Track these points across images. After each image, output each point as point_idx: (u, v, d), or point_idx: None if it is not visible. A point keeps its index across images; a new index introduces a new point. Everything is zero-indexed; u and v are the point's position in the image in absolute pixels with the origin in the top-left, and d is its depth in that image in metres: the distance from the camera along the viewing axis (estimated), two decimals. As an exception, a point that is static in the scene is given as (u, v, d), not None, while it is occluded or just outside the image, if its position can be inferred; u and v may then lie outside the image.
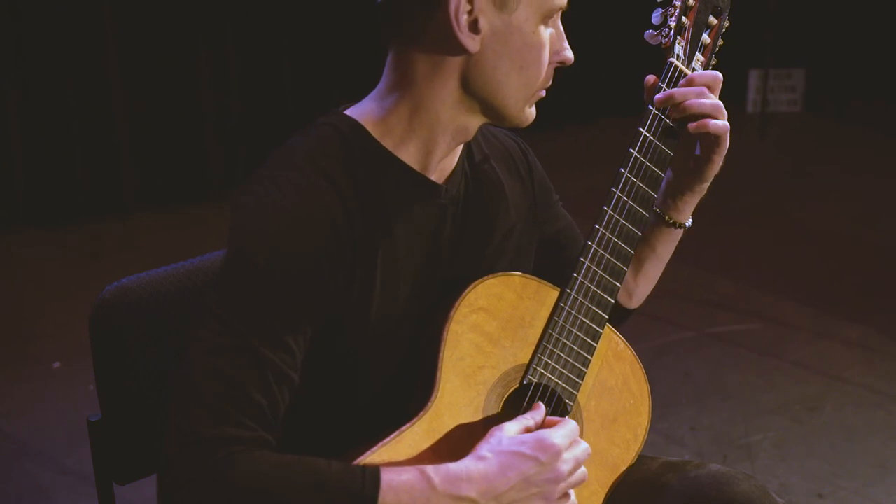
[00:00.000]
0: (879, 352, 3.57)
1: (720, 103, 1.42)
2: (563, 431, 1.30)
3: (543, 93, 1.37)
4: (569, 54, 1.36)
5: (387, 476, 1.21)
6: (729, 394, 3.30)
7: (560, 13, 1.35)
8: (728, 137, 1.44)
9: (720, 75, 1.44)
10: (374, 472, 1.21)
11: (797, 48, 6.53)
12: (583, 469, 1.32)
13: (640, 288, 1.62)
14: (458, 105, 1.33)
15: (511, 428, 1.30)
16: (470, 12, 1.27)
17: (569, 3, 1.35)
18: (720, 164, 1.48)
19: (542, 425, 1.33)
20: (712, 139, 1.44)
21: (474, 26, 1.28)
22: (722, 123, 1.42)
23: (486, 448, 1.27)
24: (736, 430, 3.07)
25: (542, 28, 1.31)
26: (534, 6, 1.29)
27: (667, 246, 1.59)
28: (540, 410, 1.35)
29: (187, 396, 1.21)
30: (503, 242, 1.47)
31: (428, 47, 1.30)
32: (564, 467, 1.28)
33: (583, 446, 1.32)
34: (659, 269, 1.62)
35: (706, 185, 1.52)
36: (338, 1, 5.21)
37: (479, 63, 1.30)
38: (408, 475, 1.22)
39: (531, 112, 1.37)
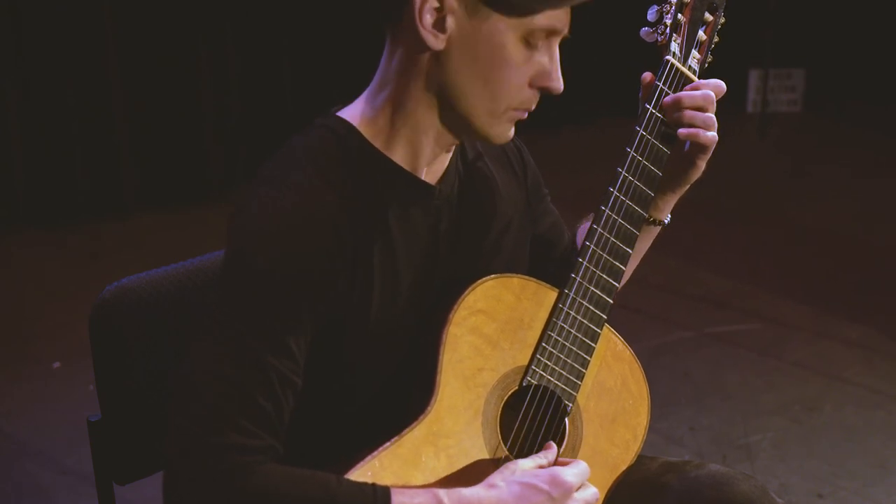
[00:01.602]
0: (879, 352, 3.57)
1: (713, 118, 1.42)
2: (576, 471, 1.32)
3: (524, 115, 1.34)
4: (555, 85, 1.31)
5: (398, 498, 1.22)
6: (728, 394, 3.30)
7: (558, 39, 1.31)
8: (713, 147, 1.45)
9: (723, 85, 1.44)
10: (385, 493, 1.21)
11: (797, 48, 6.52)
12: None
13: None
14: (431, 108, 1.31)
15: (525, 463, 1.31)
16: (439, 10, 1.25)
17: (570, 30, 1.30)
18: (703, 168, 1.49)
19: (555, 464, 1.34)
20: (699, 146, 1.45)
21: (440, 25, 1.26)
22: (711, 135, 1.42)
23: (499, 478, 1.28)
24: (735, 430, 3.07)
25: (520, 46, 1.27)
26: (510, 22, 1.25)
27: (644, 242, 1.59)
28: (552, 450, 1.37)
29: (190, 401, 1.21)
30: (499, 240, 1.47)
31: (405, 43, 1.29)
32: None
33: (592, 490, 1.34)
34: (634, 265, 1.62)
35: (687, 186, 1.53)
36: (338, 1, 5.21)
37: (444, 63, 1.28)
38: (419, 498, 1.23)
39: (502, 129, 1.33)
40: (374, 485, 1.22)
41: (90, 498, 1.64)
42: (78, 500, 2.77)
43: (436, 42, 1.26)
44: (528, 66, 1.29)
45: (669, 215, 1.57)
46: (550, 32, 1.28)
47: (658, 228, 1.58)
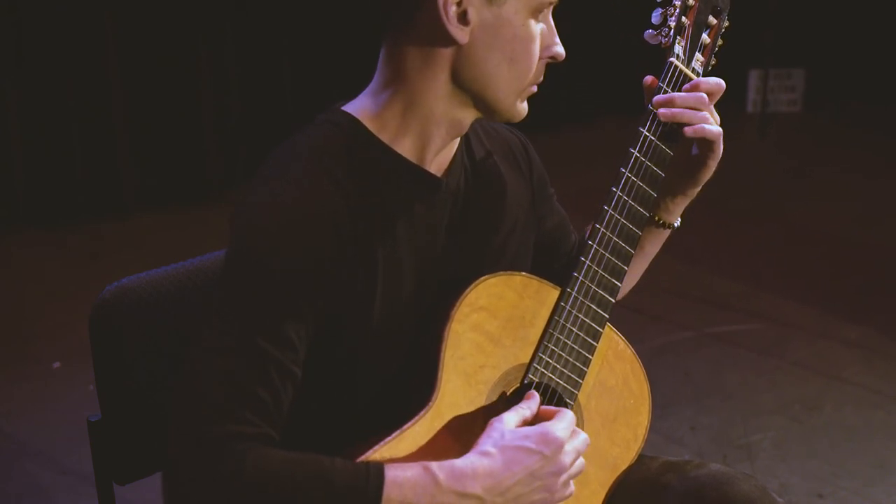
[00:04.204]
0: (879, 352, 3.57)
1: (715, 115, 1.43)
2: (564, 424, 1.31)
3: (535, 88, 1.38)
4: (560, 50, 1.37)
5: (391, 472, 1.22)
6: (729, 393, 3.30)
7: (551, 9, 1.36)
8: (721, 143, 1.45)
9: (723, 84, 1.45)
10: (378, 468, 1.22)
11: (797, 48, 6.53)
12: (581, 459, 1.33)
13: (624, 283, 1.63)
14: (450, 98, 1.33)
15: (510, 420, 1.30)
16: (459, 3, 1.27)
17: None
18: (713, 168, 1.49)
19: (538, 414, 1.34)
20: (707, 144, 1.45)
21: (463, 17, 1.28)
22: (716, 129, 1.43)
23: (489, 443, 1.27)
24: (736, 430, 3.07)
25: (532, 22, 1.32)
26: (522, 0, 1.30)
27: (654, 245, 1.60)
28: (535, 399, 1.35)
29: (191, 395, 1.22)
30: (504, 240, 1.48)
31: (419, 40, 1.30)
32: (566, 459, 1.29)
33: (582, 436, 1.33)
34: (644, 266, 1.63)
35: (698, 188, 1.53)
36: (337, 1, 5.21)
37: (469, 55, 1.30)
38: (412, 471, 1.23)
39: (523, 107, 1.38)
40: (367, 462, 1.23)
41: (90, 498, 1.64)
42: (78, 500, 2.77)
43: (462, 35, 1.29)
44: (540, 39, 1.34)
45: (680, 219, 1.57)
46: (549, 3, 1.34)
47: (668, 231, 1.58)
